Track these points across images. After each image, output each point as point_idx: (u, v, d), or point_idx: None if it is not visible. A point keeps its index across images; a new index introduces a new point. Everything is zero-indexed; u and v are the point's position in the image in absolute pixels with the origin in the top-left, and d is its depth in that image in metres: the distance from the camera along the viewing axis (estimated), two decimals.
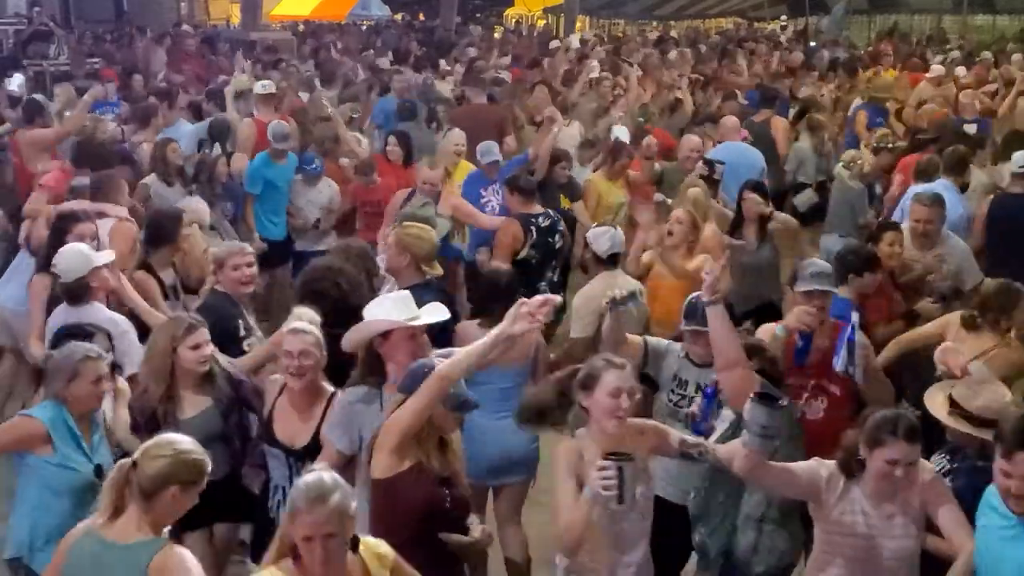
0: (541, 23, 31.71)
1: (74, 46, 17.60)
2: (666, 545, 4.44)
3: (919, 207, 6.85)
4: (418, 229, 5.91)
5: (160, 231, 6.38)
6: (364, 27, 27.11)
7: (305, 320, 4.76)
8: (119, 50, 18.63)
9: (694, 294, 4.98)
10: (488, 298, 5.57)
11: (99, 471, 4.36)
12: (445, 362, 3.86)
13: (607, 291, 4.96)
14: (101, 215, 6.81)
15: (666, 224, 6.74)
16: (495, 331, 3.74)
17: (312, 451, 4.53)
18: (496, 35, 24.95)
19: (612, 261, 6.21)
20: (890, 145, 9.79)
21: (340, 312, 5.04)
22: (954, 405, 4.27)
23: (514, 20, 33.32)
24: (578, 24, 29.22)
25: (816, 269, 5.33)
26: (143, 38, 19.03)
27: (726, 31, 28.36)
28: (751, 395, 3.78)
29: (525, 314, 3.69)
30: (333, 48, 18.49)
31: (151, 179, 8.54)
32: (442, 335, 5.15)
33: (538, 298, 3.76)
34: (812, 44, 21.01)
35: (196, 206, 7.36)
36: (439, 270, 6.04)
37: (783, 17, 28.41)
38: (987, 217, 7.96)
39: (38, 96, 10.50)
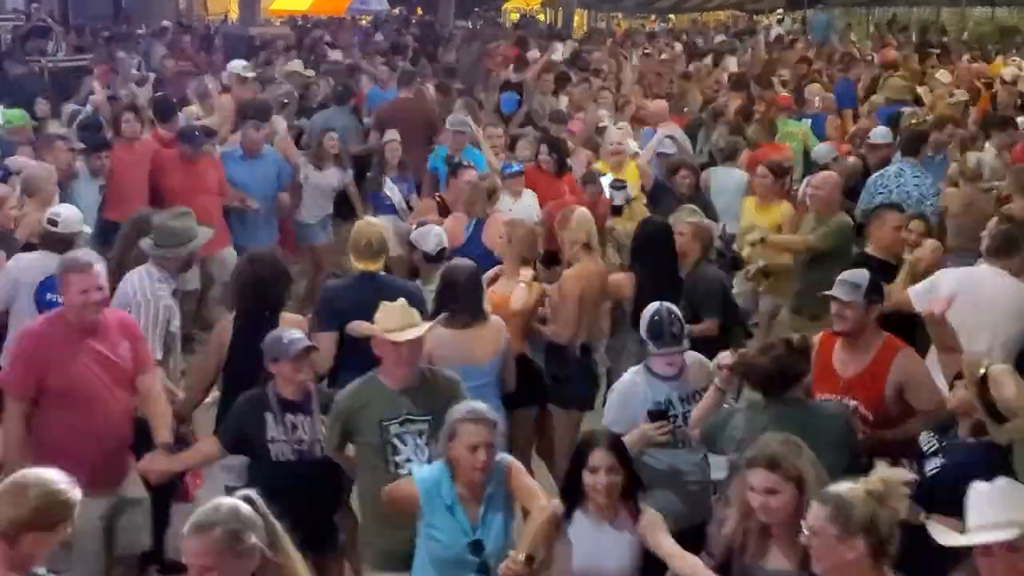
0: (541, 17, 31.67)
1: (91, 40, 17.72)
2: None
3: None
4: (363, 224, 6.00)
5: None
6: (363, 22, 27.06)
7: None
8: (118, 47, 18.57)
9: (652, 308, 4.94)
10: (447, 297, 5.40)
11: (477, 547, 4.01)
12: None
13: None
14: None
15: None
16: None
17: None
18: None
19: (439, 257, 6.08)
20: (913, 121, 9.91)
21: (257, 298, 5.34)
22: (984, 383, 4.17)
23: (513, 14, 33.23)
24: (576, 18, 29.22)
25: (844, 276, 5.13)
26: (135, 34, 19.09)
27: (724, 24, 28.37)
28: None
29: None
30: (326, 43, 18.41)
31: (302, 162, 9.27)
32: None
33: None
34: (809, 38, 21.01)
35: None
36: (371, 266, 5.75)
37: (780, 11, 28.35)
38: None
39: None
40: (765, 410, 4.48)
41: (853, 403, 4.89)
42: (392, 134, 9.34)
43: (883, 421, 4.93)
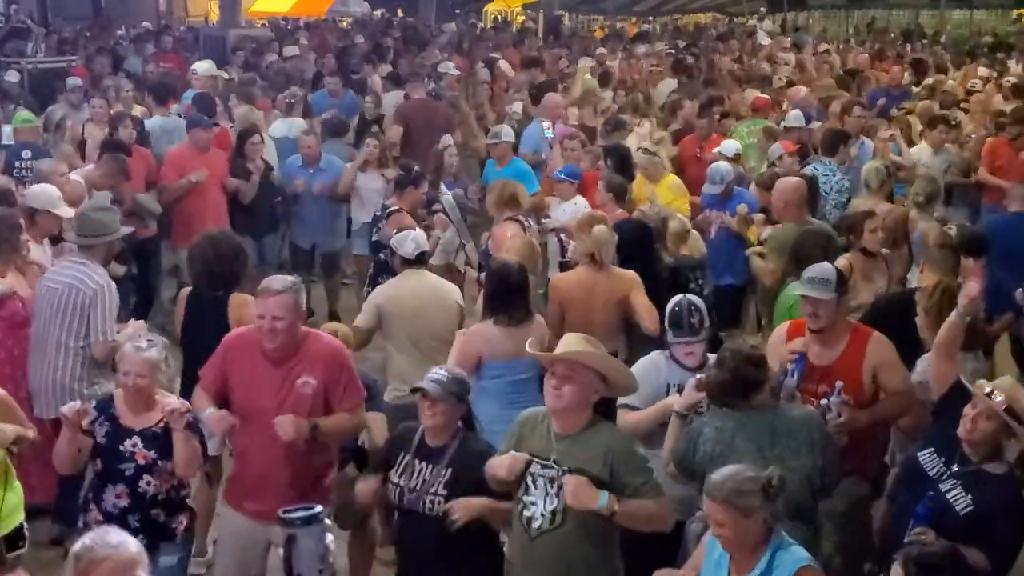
0: (520, 20, 31.65)
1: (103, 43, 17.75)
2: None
3: None
4: None
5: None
6: (345, 24, 26.97)
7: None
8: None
9: (675, 300, 5.05)
10: (498, 296, 5.47)
11: None
12: None
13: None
14: None
15: None
16: None
17: None
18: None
19: (419, 260, 6.17)
20: None
21: (213, 276, 5.66)
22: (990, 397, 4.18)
23: (492, 16, 33.21)
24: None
25: (812, 274, 5.13)
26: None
27: (705, 25, 28.43)
28: None
29: None
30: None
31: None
32: None
33: None
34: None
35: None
36: None
37: (762, 10, 28.46)
38: None
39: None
40: (731, 419, 4.44)
41: (839, 383, 4.89)
42: (448, 139, 9.42)
43: (860, 407, 4.97)
